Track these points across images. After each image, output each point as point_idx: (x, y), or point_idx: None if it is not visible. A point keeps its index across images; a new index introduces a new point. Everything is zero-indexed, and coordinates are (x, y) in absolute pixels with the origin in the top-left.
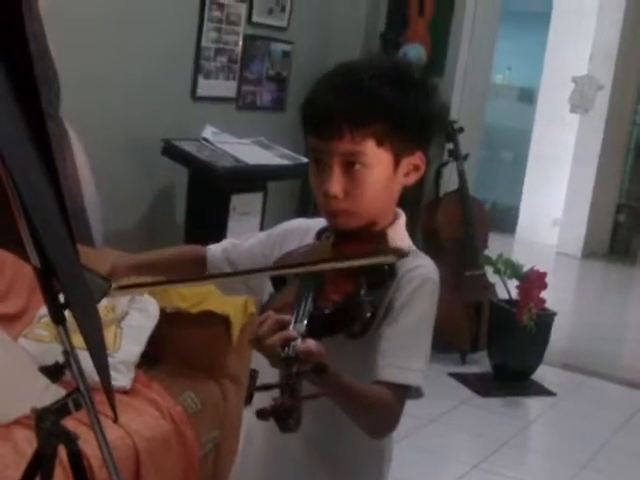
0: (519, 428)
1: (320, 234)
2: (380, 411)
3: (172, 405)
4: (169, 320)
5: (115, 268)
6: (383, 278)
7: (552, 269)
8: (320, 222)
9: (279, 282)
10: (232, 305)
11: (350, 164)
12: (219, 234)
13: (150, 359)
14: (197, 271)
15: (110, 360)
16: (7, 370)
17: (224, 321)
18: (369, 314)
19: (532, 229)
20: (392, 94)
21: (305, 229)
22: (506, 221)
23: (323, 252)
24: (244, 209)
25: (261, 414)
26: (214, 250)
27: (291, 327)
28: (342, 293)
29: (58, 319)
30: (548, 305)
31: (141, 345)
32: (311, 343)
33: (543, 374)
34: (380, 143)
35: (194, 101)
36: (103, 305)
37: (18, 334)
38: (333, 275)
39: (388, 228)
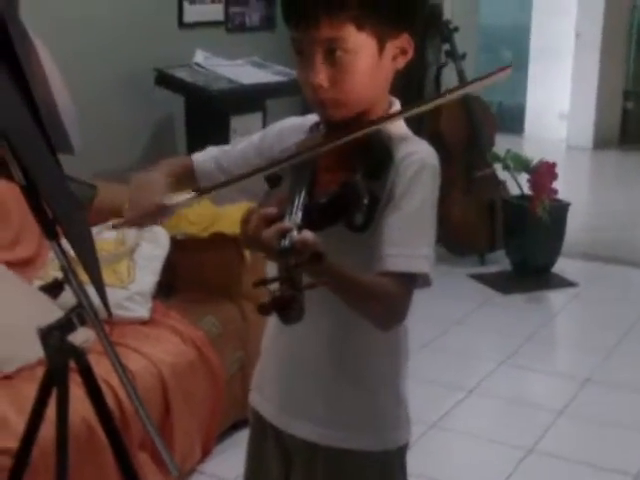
0: (543, 321)
1: (313, 129)
2: (385, 301)
3: (193, 330)
4: (180, 247)
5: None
6: (380, 166)
7: (564, 163)
8: (315, 117)
9: (275, 181)
10: None
11: (331, 51)
12: None
13: (166, 288)
14: (188, 184)
15: (126, 293)
16: (27, 312)
17: (235, 241)
18: (366, 200)
19: (540, 125)
20: None
21: (300, 125)
22: (514, 121)
23: (315, 142)
24: (245, 130)
25: (262, 309)
26: (201, 159)
27: (286, 220)
28: (337, 181)
29: (50, 234)
30: (562, 198)
31: (155, 275)
32: (307, 233)
33: (563, 266)
34: (360, 27)
35: (182, 28)
36: (112, 239)
37: (33, 277)
38: (327, 165)
39: None
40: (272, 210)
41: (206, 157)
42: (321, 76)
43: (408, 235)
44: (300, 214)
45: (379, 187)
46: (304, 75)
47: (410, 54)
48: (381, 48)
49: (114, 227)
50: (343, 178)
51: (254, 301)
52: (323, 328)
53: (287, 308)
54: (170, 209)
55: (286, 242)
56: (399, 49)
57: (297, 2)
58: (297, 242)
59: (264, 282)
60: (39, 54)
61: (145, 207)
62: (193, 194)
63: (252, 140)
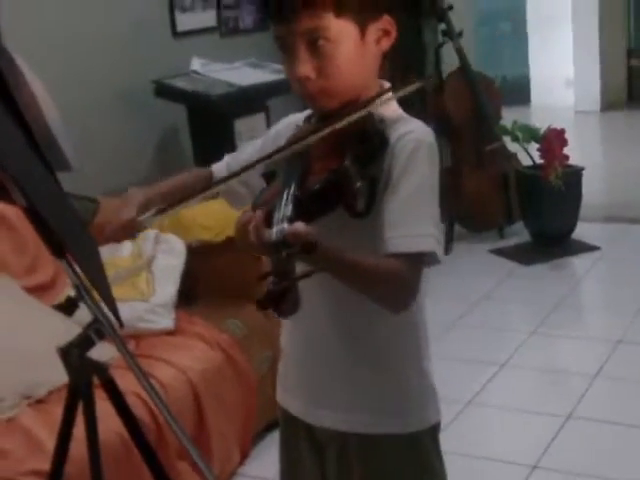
0: (569, 288)
1: (307, 121)
2: (391, 283)
3: (218, 334)
4: (197, 254)
5: (143, 201)
6: (374, 149)
7: (574, 128)
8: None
9: (271, 177)
10: None
11: (314, 42)
12: None
13: (187, 297)
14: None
15: (148, 305)
16: (51, 336)
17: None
18: (359, 184)
19: (547, 94)
20: None
21: (297, 121)
22: (520, 92)
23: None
24: (250, 133)
25: (259, 305)
26: (218, 167)
27: (276, 213)
28: (328, 168)
29: (58, 253)
30: (576, 163)
31: (175, 284)
32: (298, 225)
33: (583, 231)
34: (339, 14)
35: (176, 38)
36: (128, 254)
37: (54, 301)
38: (319, 155)
39: None
40: (247, 215)
41: (221, 164)
42: (307, 68)
43: (408, 215)
44: (290, 206)
45: (377, 171)
46: (290, 69)
47: (394, 35)
48: (363, 32)
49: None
50: (333, 166)
51: None
52: (336, 316)
53: (280, 301)
54: (140, 224)
55: (276, 236)
56: (381, 31)
57: None
58: (288, 234)
59: (260, 277)
60: (26, 76)
61: (118, 222)
62: (154, 211)
63: (256, 144)
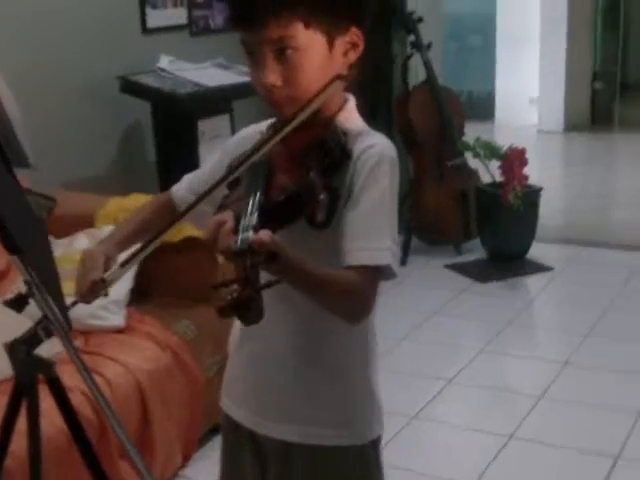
0: (521, 307)
1: (270, 128)
2: (350, 295)
3: (168, 336)
4: (152, 253)
5: (109, 255)
6: (336, 160)
7: (535, 148)
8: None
9: (234, 184)
10: None
11: (281, 50)
12: (192, 162)
13: (141, 295)
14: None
15: (100, 302)
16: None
17: (206, 244)
18: (322, 196)
19: (511, 111)
20: None
21: (258, 131)
22: (484, 108)
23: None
24: (213, 133)
25: (221, 312)
26: (179, 191)
27: (242, 221)
28: (292, 179)
29: (11, 249)
30: (535, 183)
31: (129, 282)
32: (263, 233)
33: (538, 252)
34: (308, 24)
35: (146, 34)
36: (85, 247)
37: (7, 291)
38: (282, 166)
39: (337, 114)
40: (224, 217)
41: (181, 185)
42: (274, 76)
43: (369, 228)
44: (256, 214)
45: (338, 183)
46: (257, 76)
47: (361, 48)
48: (330, 44)
49: (73, 304)
50: (298, 177)
51: None
52: (289, 326)
53: (245, 309)
54: (105, 283)
55: (240, 245)
56: (350, 44)
57: (242, 4)
58: (253, 243)
59: (222, 284)
60: None
61: (84, 284)
62: (118, 267)
63: (215, 157)
